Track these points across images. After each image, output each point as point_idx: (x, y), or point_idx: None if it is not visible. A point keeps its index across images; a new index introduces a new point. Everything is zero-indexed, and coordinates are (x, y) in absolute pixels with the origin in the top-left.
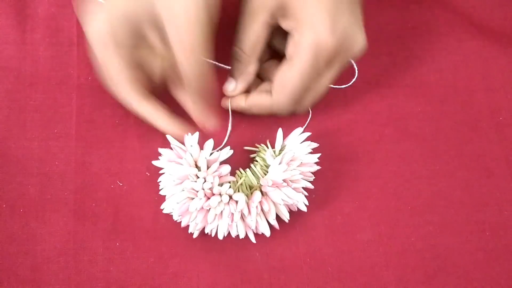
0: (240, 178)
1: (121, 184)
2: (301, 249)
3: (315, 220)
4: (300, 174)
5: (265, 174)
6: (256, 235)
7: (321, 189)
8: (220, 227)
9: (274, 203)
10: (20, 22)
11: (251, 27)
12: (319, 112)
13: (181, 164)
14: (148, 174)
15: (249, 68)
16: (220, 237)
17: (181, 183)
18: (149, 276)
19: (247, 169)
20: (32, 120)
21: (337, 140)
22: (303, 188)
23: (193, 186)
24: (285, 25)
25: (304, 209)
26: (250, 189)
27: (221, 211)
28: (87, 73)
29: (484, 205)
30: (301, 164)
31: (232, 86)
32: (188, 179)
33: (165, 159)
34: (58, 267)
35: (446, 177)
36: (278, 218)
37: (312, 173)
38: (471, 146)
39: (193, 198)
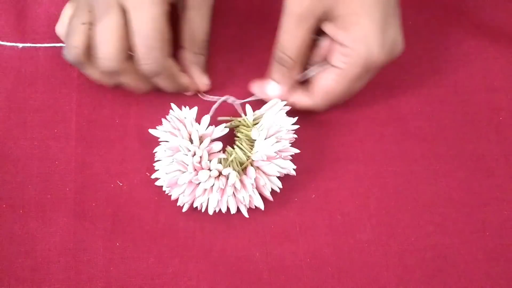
0: (230, 155)
1: (121, 184)
2: (301, 249)
3: (315, 220)
4: (289, 143)
5: (251, 149)
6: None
7: (321, 188)
8: (210, 202)
9: (267, 176)
10: (20, 22)
11: (298, 32)
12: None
13: (175, 136)
14: (148, 174)
15: (294, 73)
16: (210, 212)
17: (173, 154)
18: (149, 276)
19: (235, 146)
20: (32, 120)
21: (337, 140)
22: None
23: (183, 159)
24: (330, 31)
25: (294, 173)
26: (241, 165)
27: (211, 186)
28: None
29: (484, 205)
30: (284, 132)
31: (276, 91)
32: (180, 151)
33: (162, 129)
34: (58, 267)
35: (446, 177)
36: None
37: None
38: (471, 146)
39: (184, 172)
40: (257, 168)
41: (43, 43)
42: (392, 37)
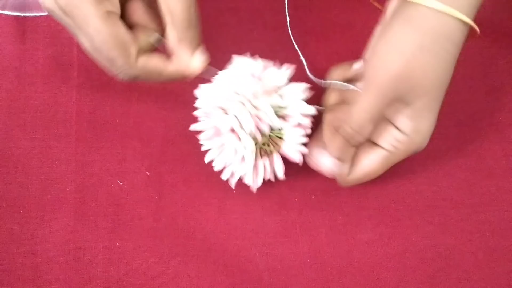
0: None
1: (121, 184)
2: (301, 249)
3: (316, 220)
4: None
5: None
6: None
7: (322, 189)
8: (218, 158)
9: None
10: (21, 22)
11: (376, 108)
12: None
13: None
14: (148, 174)
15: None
16: (217, 168)
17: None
18: (149, 276)
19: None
20: (33, 120)
21: None
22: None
23: (227, 95)
24: (392, 114)
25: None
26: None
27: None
28: (87, 73)
29: (484, 205)
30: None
31: (333, 166)
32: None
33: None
34: (58, 267)
35: (446, 177)
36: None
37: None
38: (471, 146)
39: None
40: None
41: (43, 42)
42: (426, 128)
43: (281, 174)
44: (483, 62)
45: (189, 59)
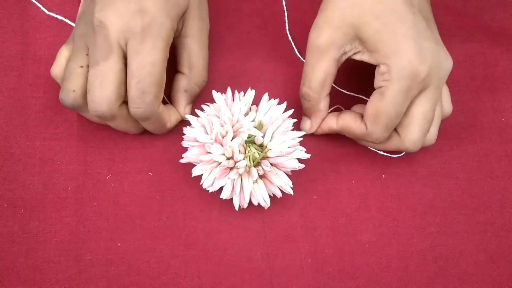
0: (246, 151)
1: (123, 184)
2: (302, 250)
3: (317, 221)
4: (297, 136)
5: (261, 149)
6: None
7: (323, 189)
8: (207, 176)
9: (283, 171)
10: (23, 22)
11: (319, 66)
12: None
13: (226, 104)
14: (151, 174)
15: (320, 106)
16: (205, 185)
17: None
18: (150, 276)
19: (249, 144)
20: (34, 119)
21: (339, 140)
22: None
23: (213, 121)
24: (366, 58)
25: (309, 156)
26: (253, 162)
27: (218, 163)
28: None
29: (486, 206)
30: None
31: (308, 125)
32: (218, 116)
33: (225, 95)
34: (59, 267)
35: (447, 178)
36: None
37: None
38: (473, 146)
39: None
40: (275, 164)
41: (45, 42)
42: (429, 49)
43: (267, 202)
44: (485, 62)
45: (182, 109)
